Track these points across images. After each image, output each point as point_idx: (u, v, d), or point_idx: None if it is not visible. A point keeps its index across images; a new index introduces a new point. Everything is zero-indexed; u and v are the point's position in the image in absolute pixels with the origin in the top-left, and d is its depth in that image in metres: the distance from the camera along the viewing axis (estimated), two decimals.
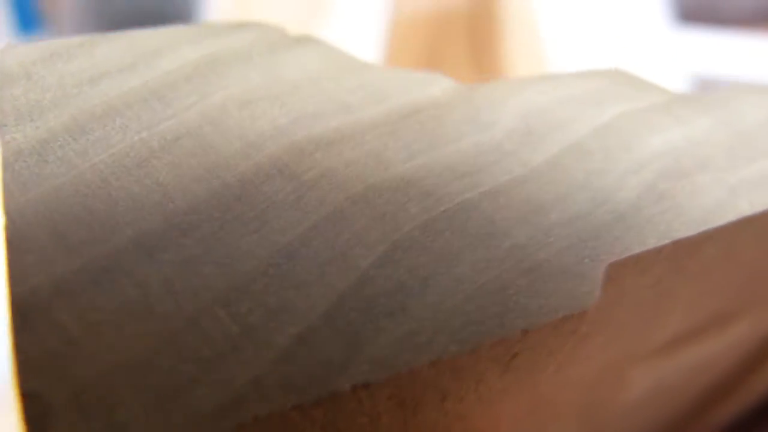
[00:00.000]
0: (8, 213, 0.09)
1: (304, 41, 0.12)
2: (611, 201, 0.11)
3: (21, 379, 0.08)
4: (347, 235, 0.10)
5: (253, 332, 0.09)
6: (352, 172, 0.10)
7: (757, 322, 0.17)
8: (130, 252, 0.09)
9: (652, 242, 0.11)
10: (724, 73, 0.51)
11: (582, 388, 0.14)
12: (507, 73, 0.48)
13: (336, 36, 0.45)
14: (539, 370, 0.11)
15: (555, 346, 0.10)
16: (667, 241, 0.11)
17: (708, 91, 0.14)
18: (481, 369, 0.10)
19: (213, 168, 0.10)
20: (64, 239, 0.09)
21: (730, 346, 0.18)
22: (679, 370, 0.17)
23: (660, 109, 0.13)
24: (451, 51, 0.51)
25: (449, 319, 0.09)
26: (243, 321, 0.09)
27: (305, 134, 0.11)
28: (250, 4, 0.45)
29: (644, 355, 0.15)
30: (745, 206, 0.11)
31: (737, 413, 0.22)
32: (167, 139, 0.10)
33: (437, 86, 0.12)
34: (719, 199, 0.11)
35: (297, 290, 0.09)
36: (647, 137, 0.12)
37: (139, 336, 0.08)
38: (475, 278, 0.10)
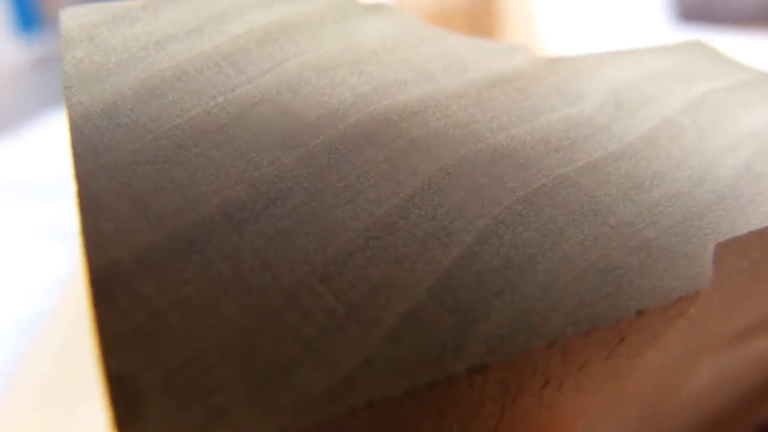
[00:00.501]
0: (80, 178, 0.09)
1: (377, 8, 0.12)
2: (709, 180, 0.10)
3: (107, 360, 0.07)
4: (446, 207, 0.09)
5: (359, 310, 0.08)
6: (441, 142, 0.10)
7: None
8: (218, 222, 0.08)
9: (756, 223, 0.10)
10: None
11: (654, 376, 0.14)
12: None
13: None
14: (640, 355, 0.10)
15: (661, 329, 0.09)
16: None
17: None
18: (589, 353, 0.09)
19: (296, 135, 0.09)
20: (144, 208, 0.08)
21: None
22: (735, 365, 0.16)
23: (746, 87, 0.12)
24: None
25: (562, 298, 0.08)
26: (345, 298, 0.08)
27: (389, 103, 0.10)
28: None
29: (717, 345, 0.14)
30: None
31: None
32: (245, 105, 0.10)
33: (519, 57, 0.12)
34: None
35: (400, 265, 0.08)
36: (738, 115, 0.12)
37: (234, 313, 0.08)
38: (584, 256, 0.09)
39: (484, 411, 0.09)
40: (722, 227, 0.10)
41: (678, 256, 0.09)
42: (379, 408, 0.07)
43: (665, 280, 0.09)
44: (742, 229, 0.10)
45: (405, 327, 0.08)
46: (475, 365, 0.08)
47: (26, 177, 0.50)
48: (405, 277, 0.08)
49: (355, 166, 0.09)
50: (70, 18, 0.11)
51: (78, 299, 0.34)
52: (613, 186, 0.10)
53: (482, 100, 0.11)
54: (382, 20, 0.11)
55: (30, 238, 0.41)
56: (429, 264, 0.08)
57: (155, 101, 0.09)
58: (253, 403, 0.07)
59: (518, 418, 0.10)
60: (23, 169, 0.51)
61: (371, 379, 0.07)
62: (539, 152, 0.10)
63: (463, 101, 0.10)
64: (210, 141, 0.09)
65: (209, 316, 0.08)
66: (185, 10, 0.11)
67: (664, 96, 0.11)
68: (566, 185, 0.10)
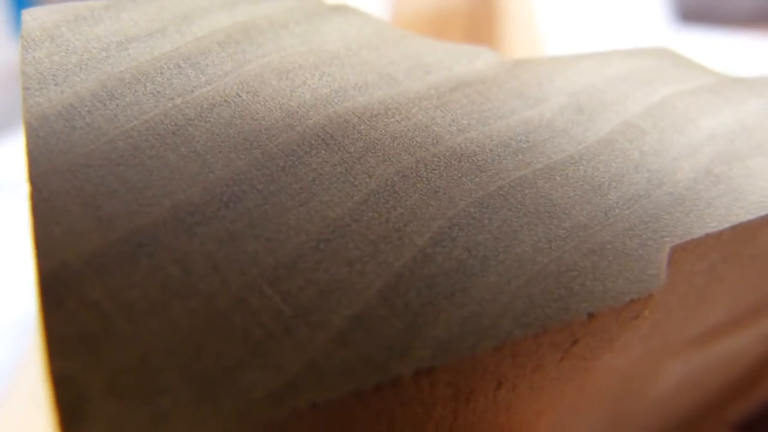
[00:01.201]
0: (34, 181, 0.09)
1: (342, 10, 0.12)
2: (668, 183, 0.10)
3: (52, 362, 0.07)
4: (400, 210, 0.09)
5: (306, 312, 0.08)
6: (399, 145, 0.10)
7: None
8: (169, 225, 0.08)
9: (712, 226, 0.10)
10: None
11: (619, 378, 0.14)
12: None
13: None
14: (595, 357, 0.10)
15: (615, 332, 0.10)
16: (727, 225, 0.10)
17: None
18: (541, 355, 0.09)
19: (253, 137, 0.09)
20: (96, 211, 0.08)
21: (754, 341, 0.17)
22: (706, 364, 0.17)
23: (710, 91, 0.12)
24: None
25: (512, 301, 0.08)
26: (294, 300, 0.08)
27: (349, 105, 0.10)
28: None
29: (681, 347, 0.14)
30: None
31: (752, 410, 0.21)
32: (203, 107, 0.10)
33: (482, 60, 0.12)
34: None
35: (350, 267, 0.08)
36: (699, 119, 0.12)
37: (182, 316, 0.08)
38: (537, 258, 0.09)
39: (435, 413, 0.09)
40: (679, 230, 0.10)
41: (632, 259, 0.09)
42: (323, 410, 0.07)
43: (618, 283, 0.09)
44: (698, 232, 0.10)
45: (352, 329, 0.08)
46: (421, 368, 0.08)
47: (24, 176, 0.50)
48: (355, 280, 0.08)
49: (310, 168, 0.09)
50: (32, 18, 0.11)
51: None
52: (570, 188, 0.10)
53: (443, 103, 0.11)
54: (346, 22, 0.12)
55: (30, 237, 0.41)
56: (380, 266, 0.08)
57: (112, 103, 0.10)
58: (198, 406, 0.07)
59: (473, 420, 0.10)
60: (23, 169, 0.51)
61: (316, 381, 0.07)
62: (497, 155, 0.10)
63: (423, 104, 0.11)
64: (166, 143, 0.09)
65: (156, 319, 0.08)
66: (149, 11, 0.11)
67: (625, 99, 0.11)
68: (523, 188, 0.10)
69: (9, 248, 0.40)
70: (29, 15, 0.11)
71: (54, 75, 0.10)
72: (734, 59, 0.52)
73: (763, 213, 0.11)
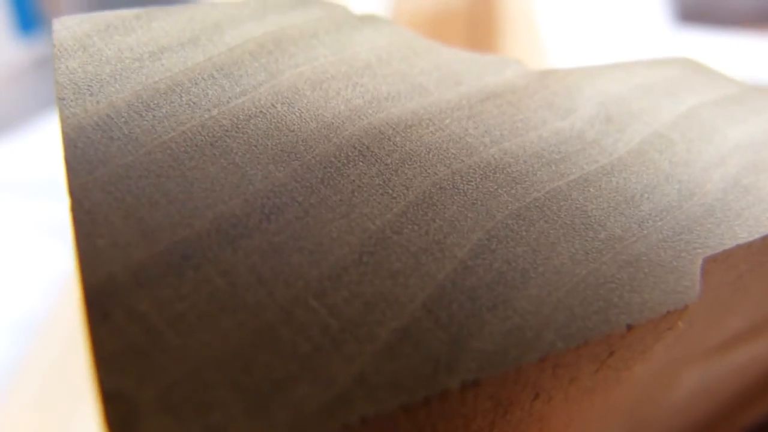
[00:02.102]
0: (74, 192, 0.09)
1: (370, 20, 0.12)
2: (698, 194, 0.11)
3: (101, 377, 0.07)
4: (439, 222, 0.09)
5: (353, 325, 0.08)
6: (435, 156, 0.10)
7: None
8: (213, 237, 0.08)
9: (743, 237, 0.10)
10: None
11: (638, 387, 0.14)
12: None
13: None
14: (627, 368, 0.10)
15: (650, 342, 0.10)
16: (757, 236, 0.10)
17: None
18: (579, 367, 0.09)
19: (291, 149, 0.09)
20: (139, 222, 0.08)
21: (767, 349, 0.18)
22: (722, 372, 0.17)
23: (733, 101, 0.12)
24: None
25: (553, 313, 0.09)
26: (340, 313, 0.08)
27: (383, 116, 0.10)
28: None
29: (701, 356, 0.14)
30: None
31: (764, 417, 0.22)
32: (239, 118, 0.10)
33: (511, 70, 0.12)
34: None
35: (393, 280, 0.08)
36: (725, 129, 0.12)
37: (230, 329, 0.08)
38: (575, 270, 0.09)
39: (474, 425, 0.09)
40: (710, 241, 0.10)
41: (667, 271, 0.09)
42: (373, 424, 0.07)
43: (655, 295, 0.09)
44: (729, 243, 0.10)
45: (399, 342, 0.08)
46: (468, 380, 0.08)
47: (26, 177, 0.50)
48: (399, 293, 0.08)
49: (349, 180, 0.09)
50: (63, 27, 0.10)
51: (78, 299, 0.34)
52: (604, 200, 0.10)
53: (475, 113, 0.11)
54: (375, 32, 0.12)
55: (30, 237, 0.41)
56: (423, 279, 0.08)
57: (149, 113, 0.09)
58: (251, 420, 0.07)
59: (508, 431, 0.10)
60: (23, 169, 0.51)
61: (366, 395, 0.07)
62: (531, 166, 0.10)
63: (456, 114, 0.11)
64: (204, 154, 0.09)
65: (205, 332, 0.08)
66: (180, 20, 0.11)
67: (652, 110, 0.12)
68: (558, 199, 0.10)
69: (9, 248, 0.40)
70: (60, 24, 0.11)
71: (89, 85, 0.10)
72: (734, 59, 0.52)
73: None
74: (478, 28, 0.52)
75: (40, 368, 0.30)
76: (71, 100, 0.09)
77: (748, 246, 0.10)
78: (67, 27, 0.10)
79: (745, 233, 0.10)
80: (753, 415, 0.21)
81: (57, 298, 0.35)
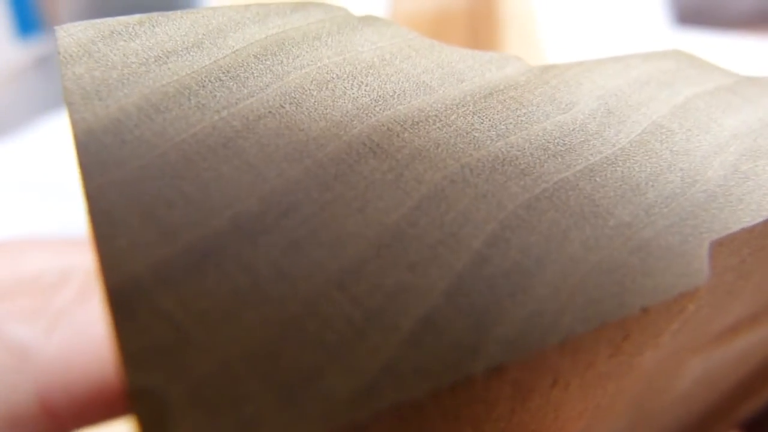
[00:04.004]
0: (90, 194, 0.09)
1: (371, 20, 0.12)
2: (700, 181, 0.11)
3: (130, 375, 0.07)
4: (452, 214, 0.09)
5: (376, 316, 0.08)
6: (443, 151, 0.10)
7: None
8: (232, 235, 0.08)
9: (747, 221, 0.10)
10: None
11: (643, 376, 0.14)
12: None
13: None
14: (640, 353, 0.10)
15: (662, 326, 0.10)
16: (759, 220, 0.11)
17: None
18: (596, 351, 0.09)
19: (302, 147, 0.10)
20: (157, 222, 0.08)
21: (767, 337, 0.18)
22: (723, 361, 0.17)
23: (728, 91, 0.13)
24: None
25: (570, 298, 0.09)
26: (362, 304, 0.08)
27: (390, 114, 0.10)
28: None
29: (704, 344, 0.15)
30: None
31: (762, 408, 0.22)
32: (249, 119, 0.10)
33: (511, 67, 0.12)
34: None
35: (412, 271, 0.08)
36: (722, 118, 0.12)
37: (255, 323, 0.08)
38: (588, 257, 0.09)
39: (495, 413, 0.09)
40: (716, 226, 0.10)
41: (676, 255, 0.10)
42: (402, 411, 0.08)
43: (666, 278, 0.09)
44: (734, 227, 0.10)
45: (423, 331, 0.08)
46: (492, 366, 0.08)
47: (26, 177, 0.49)
48: (419, 283, 0.08)
49: (362, 177, 0.09)
50: (66, 34, 0.10)
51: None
52: (611, 189, 0.10)
53: (479, 109, 0.11)
54: (377, 33, 0.12)
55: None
56: (441, 269, 0.09)
57: (159, 116, 0.10)
58: (283, 412, 0.07)
59: (527, 419, 0.10)
60: (23, 169, 0.50)
61: (394, 383, 0.07)
62: (538, 158, 0.10)
63: (461, 110, 0.11)
64: (218, 155, 0.09)
65: (231, 327, 0.08)
66: (182, 25, 0.11)
67: (650, 101, 0.12)
68: (566, 189, 0.10)
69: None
70: (63, 31, 0.11)
71: (97, 90, 0.10)
72: (733, 60, 0.53)
73: None
74: (478, 29, 0.52)
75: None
76: (80, 105, 0.09)
77: (751, 230, 0.11)
78: (71, 34, 0.10)
79: (748, 217, 0.10)
80: (751, 407, 0.21)
81: None
